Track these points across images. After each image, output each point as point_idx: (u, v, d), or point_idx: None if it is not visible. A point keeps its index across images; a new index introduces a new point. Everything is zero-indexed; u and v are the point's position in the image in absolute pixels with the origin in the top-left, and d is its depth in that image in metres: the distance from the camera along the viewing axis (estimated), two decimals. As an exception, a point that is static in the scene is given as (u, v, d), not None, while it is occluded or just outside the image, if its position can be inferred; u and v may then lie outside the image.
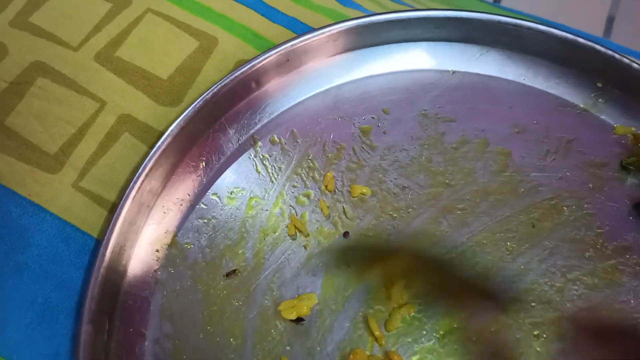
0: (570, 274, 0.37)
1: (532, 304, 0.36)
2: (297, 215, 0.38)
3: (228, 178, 0.38)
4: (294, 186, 0.39)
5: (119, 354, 0.33)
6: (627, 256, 0.37)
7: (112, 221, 0.33)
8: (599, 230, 0.38)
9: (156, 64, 0.39)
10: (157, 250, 0.36)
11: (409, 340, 0.35)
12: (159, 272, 0.35)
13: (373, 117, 0.41)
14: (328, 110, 0.41)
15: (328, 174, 0.38)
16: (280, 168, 0.39)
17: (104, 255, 0.32)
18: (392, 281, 0.36)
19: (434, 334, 0.35)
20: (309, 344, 0.34)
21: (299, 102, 0.41)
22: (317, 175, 0.39)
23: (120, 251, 0.34)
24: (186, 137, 0.37)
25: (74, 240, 0.34)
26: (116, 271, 0.34)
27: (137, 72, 0.39)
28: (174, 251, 0.36)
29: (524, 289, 0.36)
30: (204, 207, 0.38)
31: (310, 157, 0.39)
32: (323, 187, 0.38)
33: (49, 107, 0.37)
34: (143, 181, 0.35)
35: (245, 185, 0.38)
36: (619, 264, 0.37)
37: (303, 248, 0.37)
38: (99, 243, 0.33)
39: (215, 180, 0.38)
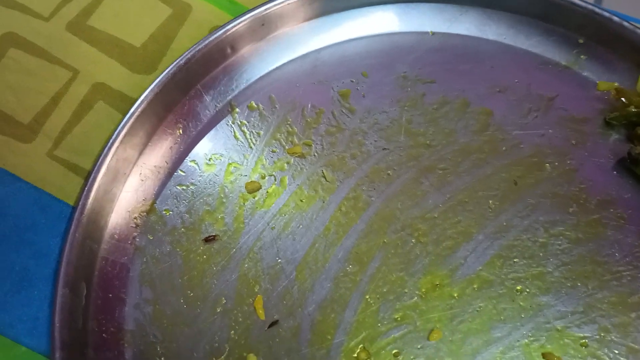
0: (553, 229, 0.37)
1: (515, 259, 0.36)
2: (276, 180, 0.37)
3: (206, 145, 0.38)
4: (272, 151, 0.38)
5: (98, 318, 0.32)
6: (611, 210, 0.37)
7: (86, 188, 0.33)
8: (582, 186, 0.38)
9: (129, 32, 0.39)
10: (136, 218, 0.36)
11: (391, 298, 0.34)
12: (138, 239, 0.35)
13: (352, 81, 0.41)
14: (306, 75, 0.41)
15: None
16: (258, 134, 0.39)
17: (78, 220, 0.32)
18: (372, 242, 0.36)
19: (416, 292, 0.35)
20: (291, 304, 0.34)
21: (277, 68, 0.41)
22: (296, 140, 0.39)
23: (97, 218, 0.34)
24: (161, 104, 0.37)
25: (50, 209, 0.34)
26: (92, 237, 0.33)
27: (110, 41, 0.38)
28: (153, 218, 0.36)
29: (507, 246, 0.36)
30: (182, 174, 0.37)
31: (289, 122, 0.39)
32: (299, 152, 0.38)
33: (21, 78, 0.37)
34: (117, 148, 0.35)
35: (224, 152, 0.38)
36: (602, 218, 0.37)
37: (283, 212, 0.36)
38: (75, 210, 0.33)
39: (193, 147, 0.38)
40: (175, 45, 0.39)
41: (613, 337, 0.34)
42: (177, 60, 0.37)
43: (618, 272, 0.35)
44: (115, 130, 0.35)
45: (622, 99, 0.40)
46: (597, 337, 0.34)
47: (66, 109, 0.36)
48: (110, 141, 0.35)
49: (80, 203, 0.33)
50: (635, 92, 0.40)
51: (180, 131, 0.38)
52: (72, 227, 0.32)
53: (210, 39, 0.38)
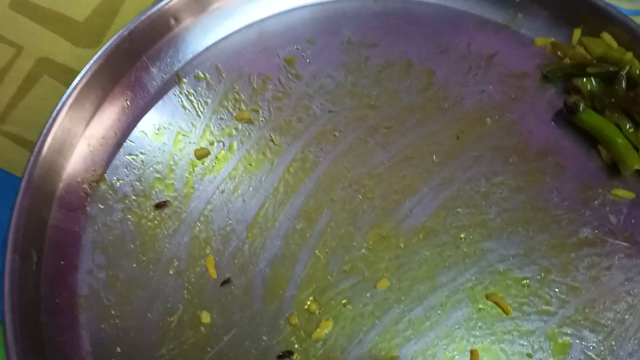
0: (495, 179, 0.38)
1: (459, 209, 0.37)
2: (225, 146, 0.38)
3: (154, 115, 0.39)
4: (220, 118, 0.39)
5: (50, 285, 0.33)
6: (550, 158, 0.39)
7: (32, 158, 0.33)
8: (521, 137, 0.39)
9: (72, 7, 0.39)
10: (86, 187, 0.36)
11: (340, 251, 0.35)
12: (89, 208, 0.36)
13: (297, 48, 0.41)
14: (252, 44, 0.41)
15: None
16: (206, 102, 0.39)
17: (25, 188, 0.33)
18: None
19: (364, 244, 0.36)
20: (242, 262, 0.35)
21: (223, 38, 0.41)
22: (243, 107, 0.39)
23: (44, 187, 0.34)
24: (106, 76, 0.37)
25: (-1, 181, 0.35)
26: (41, 206, 0.34)
27: (54, 16, 0.39)
28: (103, 187, 0.36)
29: (451, 197, 0.37)
30: (132, 143, 0.38)
31: (236, 90, 0.40)
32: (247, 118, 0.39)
33: (-35, 57, 0.37)
34: (62, 120, 0.35)
35: (172, 121, 0.39)
36: (541, 166, 0.38)
37: (232, 176, 0.37)
38: (22, 180, 0.34)
39: (141, 118, 0.38)
40: (119, 19, 0.40)
41: (553, 277, 0.35)
42: (120, 32, 0.37)
43: (557, 215, 0.37)
44: (59, 102, 0.35)
45: (558, 52, 0.42)
46: (538, 277, 0.35)
47: (11, 84, 0.37)
48: (55, 113, 0.35)
49: (26, 172, 0.33)
50: (570, 46, 0.41)
51: (128, 102, 0.39)
52: (19, 195, 0.33)
53: (153, 10, 0.38)
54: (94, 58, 0.36)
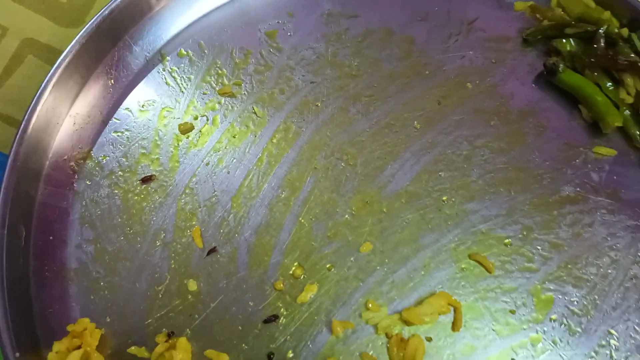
0: (477, 141, 0.38)
1: (440, 173, 0.37)
2: (208, 120, 0.39)
3: (138, 92, 0.39)
4: (204, 93, 0.39)
5: (40, 259, 0.34)
6: (531, 120, 0.39)
7: (17, 136, 0.34)
8: (502, 100, 0.39)
9: (54, -12, 0.40)
10: (72, 165, 0.37)
11: (324, 217, 0.36)
12: (76, 184, 0.36)
13: (278, 22, 0.42)
14: (233, 19, 0.42)
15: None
16: (189, 78, 0.40)
17: (11, 165, 0.34)
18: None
19: (347, 210, 0.36)
20: (227, 231, 0.35)
21: (204, 15, 0.42)
22: (226, 81, 0.40)
23: (31, 165, 0.35)
24: (89, 55, 0.38)
25: (-14, 160, 0.35)
26: (28, 183, 0.35)
27: (36, -2, 0.40)
28: (90, 164, 0.37)
29: (432, 161, 0.38)
30: (117, 121, 0.38)
31: (218, 65, 0.40)
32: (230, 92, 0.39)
33: (-50, 41, 0.38)
34: (47, 98, 0.36)
35: (156, 98, 0.39)
36: (523, 127, 0.39)
37: (216, 149, 0.38)
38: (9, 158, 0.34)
39: (126, 96, 0.39)
40: None
41: (536, 235, 0.35)
42: (101, 12, 0.38)
43: (539, 175, 0.37)
44: (43, 81, 0.36)
45: (537, 15, 0.42)
46: (521, 235, 0.35)
47: (-3, 65, 0.37)
48: (39, 91, 0.36)
49: (12, 150, 0.34)
50: (549, 8, 0.41)
51: (112, 81, 0.39)
52: (6, 172, 0.33)
53: (133, -11, 0.39)
54: (77, 37, 0.37)
